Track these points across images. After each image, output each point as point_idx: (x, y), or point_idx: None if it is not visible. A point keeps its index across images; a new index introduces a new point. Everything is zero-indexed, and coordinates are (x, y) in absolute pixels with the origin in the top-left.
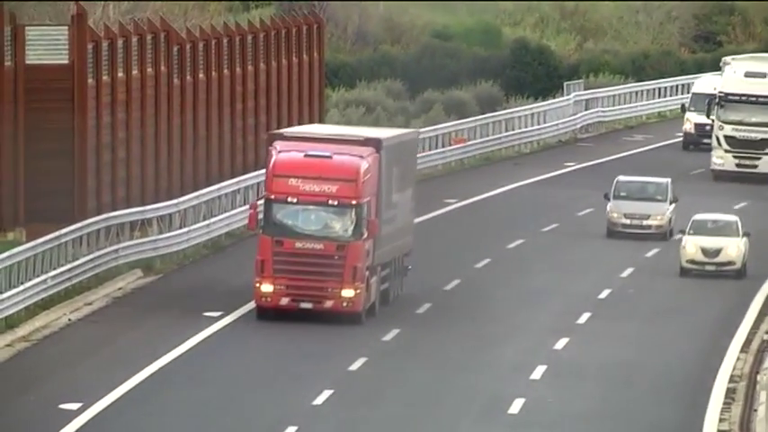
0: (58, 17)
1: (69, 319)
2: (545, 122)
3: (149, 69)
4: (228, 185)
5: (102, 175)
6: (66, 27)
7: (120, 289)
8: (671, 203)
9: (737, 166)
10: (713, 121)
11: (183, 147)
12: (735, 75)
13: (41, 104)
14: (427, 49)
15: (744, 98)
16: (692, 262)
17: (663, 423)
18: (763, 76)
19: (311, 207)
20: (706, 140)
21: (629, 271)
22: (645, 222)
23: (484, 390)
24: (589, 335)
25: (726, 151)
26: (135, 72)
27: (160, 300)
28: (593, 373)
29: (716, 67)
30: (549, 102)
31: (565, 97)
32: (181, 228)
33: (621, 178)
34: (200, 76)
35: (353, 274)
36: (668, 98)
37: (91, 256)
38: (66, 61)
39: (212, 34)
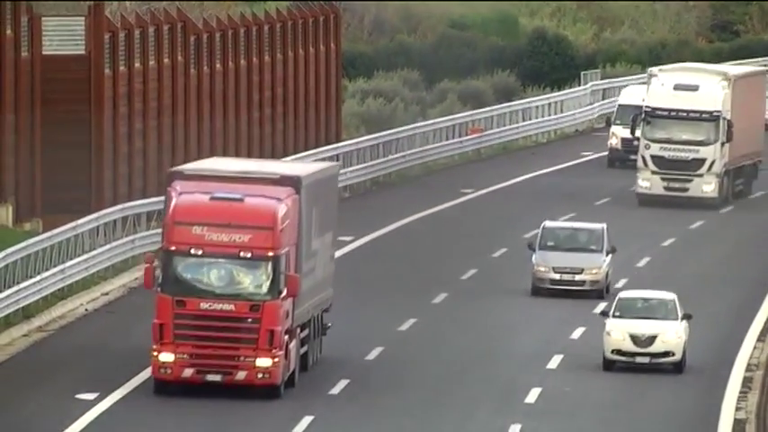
0: (74, 8)
1: (86, 309)
2: (562, 112)
3: (166, 60)
4: None
5: (119, 166)
6: (83, 17)
7: (136, 279)
8: (607, 254)
9: (666, 189)
10: (638, 139)
11: (199, 137)
12: (662, 88)
13: (58, 95)
14: (444, 38)
15: (673, 113)
16: (619, 352)
17: (680, 412)
18: (694, 88)
19: (219, 260)
20: (633, 157)
21: (645, 260)
22: (578, 277)
23: (500, 379)
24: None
25: (653, 173)
26: (152, 62)
27: None
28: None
29: (733, 56)
30: (566, 91)
31: (582, 87)
32: None
33: (548, 224)
34: (217, 66)
35: (270, 340)
36: None
37: (107, 247)
38: (82, 52)
39: (229, 24)
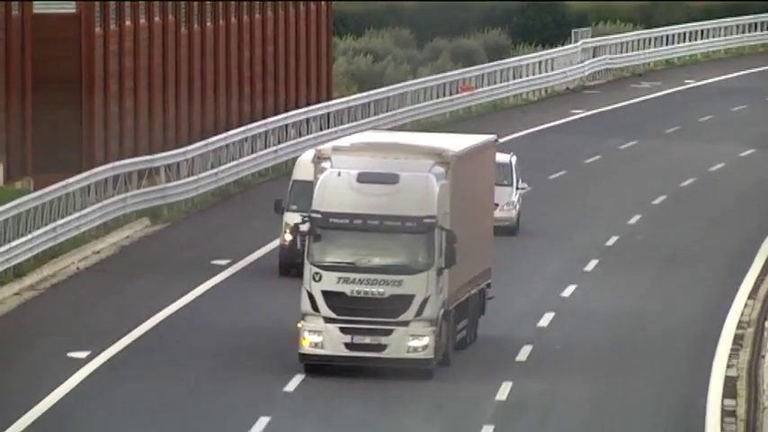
0: None
1: (77, 268)
2: (552, 70)
3: (157, 18)
4: (236, 134)
5: (110, 125)
6: None
7: (127, 237)
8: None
9: (349, 347)
10: (304, 261)
11: (190, 95)
12: (339, 180)
13: (49, 54)
14: None
15: (357, 222)
16: None
17: (671, 369)
18: (391, 180)
19: None
20: None
21: (636, 218)
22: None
23: (492, 337)
24: (597, 282)
25: (327, 321)
26: (142, 21)
27: (168, 248)
28: (601, 321)
29: (726, 13)
30: (557, 49)
31: (573, 45)
32: (188, 176)
33: None
34: (208, 25)
35: None
36: (676, 45)
37: (99, 205)
38: (73, 10)
39: None
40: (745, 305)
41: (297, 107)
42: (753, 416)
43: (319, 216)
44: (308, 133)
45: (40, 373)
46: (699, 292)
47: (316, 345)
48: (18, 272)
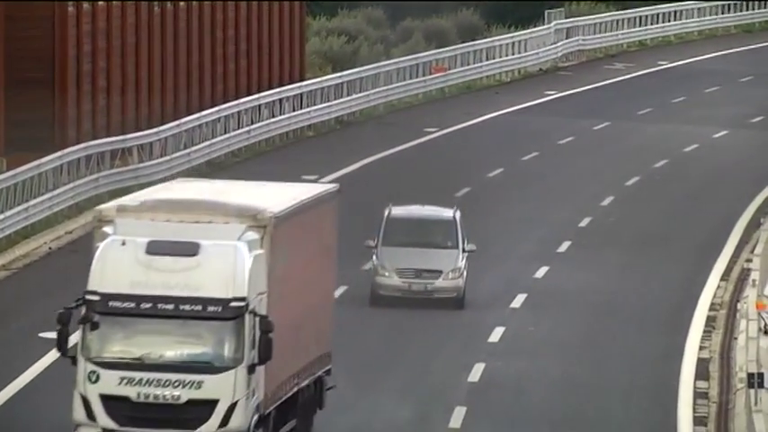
0: None
1: (50, 248)
2: (526, 51)
3: None
4: (209, 114)
5: (83, 104)
6: None
7: None
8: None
9: None
10: (75, 359)
11: (163, 75)
12: (123, 251)
13: (21, 33)
14: None
15: (147, 307)
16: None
17: (643, 351)
18: (188, 251)
19: None
20: None
21: (609, 199)
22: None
23: (464, 318)
24: (569, 263)
25: None
26: (115, 0)
27: None
28: (573, 302)
29: None
30: (530, 30)
31: (546, 26)
32: (161, 156)
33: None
34: (181, 4)
35: None
36: (649, 26)
37: (71, 185)
38: None
39: None
40: (718, 287)
41: (270, 87)
42: (725, 398)
43: (97, 298)
44: (280, 114)
45: (12, 352)
46: (672, 273)
47: None
48: None
